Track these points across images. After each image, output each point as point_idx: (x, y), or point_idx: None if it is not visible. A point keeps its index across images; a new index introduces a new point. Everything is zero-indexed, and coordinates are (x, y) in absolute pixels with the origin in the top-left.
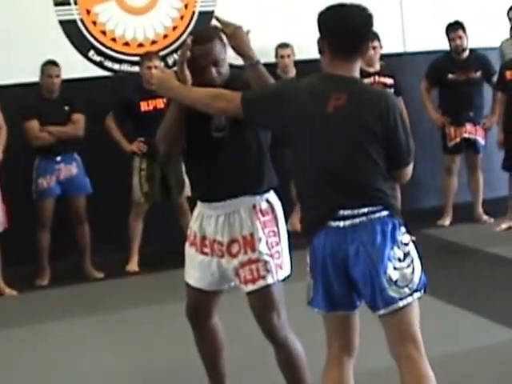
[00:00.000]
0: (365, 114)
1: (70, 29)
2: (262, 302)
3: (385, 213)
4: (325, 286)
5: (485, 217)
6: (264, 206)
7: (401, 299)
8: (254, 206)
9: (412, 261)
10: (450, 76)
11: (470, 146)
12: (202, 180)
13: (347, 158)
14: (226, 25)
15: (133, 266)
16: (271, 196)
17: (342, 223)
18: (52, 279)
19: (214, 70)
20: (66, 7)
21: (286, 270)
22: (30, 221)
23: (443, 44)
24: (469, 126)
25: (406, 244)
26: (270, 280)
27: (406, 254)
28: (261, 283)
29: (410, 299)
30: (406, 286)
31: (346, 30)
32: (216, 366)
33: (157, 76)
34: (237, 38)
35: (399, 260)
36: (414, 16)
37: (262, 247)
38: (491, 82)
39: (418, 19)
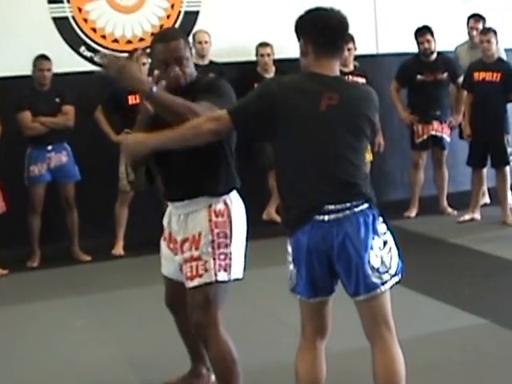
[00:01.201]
0: (356, 112)
1: (63, 25)
2: (195, 299)
3: (365, 205)
4: (308, 275)
5: (449, 209)
6: (220, 207)
7: (382, 284)
8: (210, 206)
9: (390, 248)
10: (419, 77)
11: (436, 142)
12: (165, 181)
13: (337, 155)
14: (110, 64)
15: (118, 249)
16: (230, 198)
17: (327, 217)
18: (42, 261)
19: (177, 69)
20: (59, 5)
21: (233, 273)
22: (22, 206)
23: (414, 47)
24: (436, 124)
25: (385, 233)
26: (206, 279)
27: (385, 242)
28: (198, 281)
29: (390, 284)
30: (386, 271)
31: (328, 30)
32: (197, 350)
33: (124, 146)
34: (124, 75)
35: (379, 248)
36: (386, 20)
37: (206, 247)
38: (456, 82)
39: (390, 23)
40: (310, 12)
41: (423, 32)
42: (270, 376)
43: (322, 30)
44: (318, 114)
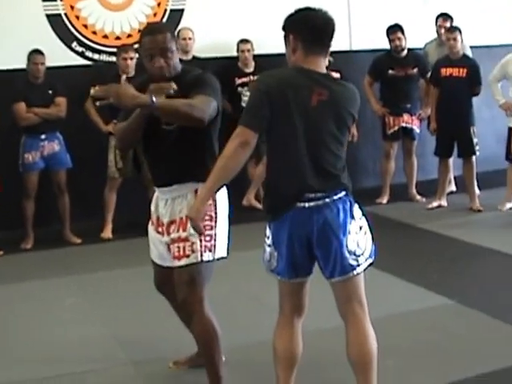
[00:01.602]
0: (343, 108)
1: (56, 22)
2: (182, 277)
3: (343, 193)
4: (289, 257)
5: (418, 196)
6: None
7: (357, 266)
8: (196, 191)
9: (365, 232)
10: (390, 72)
11: (406, 133)
12: (153, 167)
13: (324, 147)
14: (106, 94)
15: (107, 233)
16: None
17: (307, 204)
18: (35, 243)
19: (162, 61)
20: (53, 3)
21: (218, 252)
22: (17, 191)
23: (385, 43)
24: (406, 116)
25: (360, 218)
26: (193, 259)
27: (361, 227)
28: (185, 261)
29: (364, 265)
30: (362, 254)
31: (317, 30)
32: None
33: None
34: (124, 97)
35: (356, 232)
36: (359, 18)
37: (191, 230)
38: (425, 77)
39: (363, 21)
40: (299, 11)
41: (394, 30)
42: (251, 353)
43: (312, 30)
44: (310, 108)
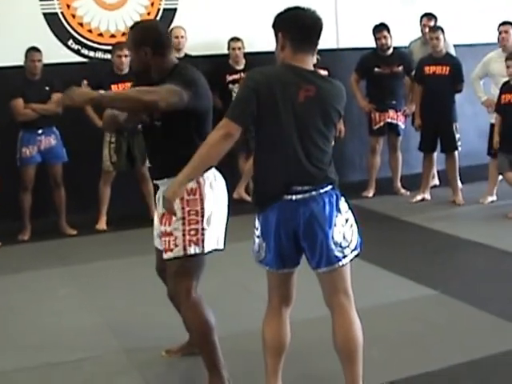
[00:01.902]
0: (329, 105)
1: (52, 20)
2: (169, 270)
3: (330, 187)
4: (277, 248)
5: (402, 190)
6: (192, 186)
7: (343, 258)
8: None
9: (351, 225)
10: (376, 70)
11: (392, 129)
12: (149, 160)
13: (311, 143)
14: (63, 100)
15: (102, 224)
16: (204, 177)
17: (294, 197)
18: (32, 235)
19: (129, 54)
20: (49, 2)
21: (207, 246)
22: (14, 184)
23: (371, 42)
24: (391, 113)
25: (346, 211)
26: (176, 253)
27: (347, 220)
28: (169, 255)
29: (350, 257)
30: (347, 246)
31: (306, 28)
32: None
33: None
34: (73, 96)
35: (342, 225)
36: (346, 17)
37: (177, 223)
38: (410, 75)
39: (350, 20)
40: (289, 10)
41: (380, 29)
42: (241, 341)
43: (301, 28)
44: (297, 104)
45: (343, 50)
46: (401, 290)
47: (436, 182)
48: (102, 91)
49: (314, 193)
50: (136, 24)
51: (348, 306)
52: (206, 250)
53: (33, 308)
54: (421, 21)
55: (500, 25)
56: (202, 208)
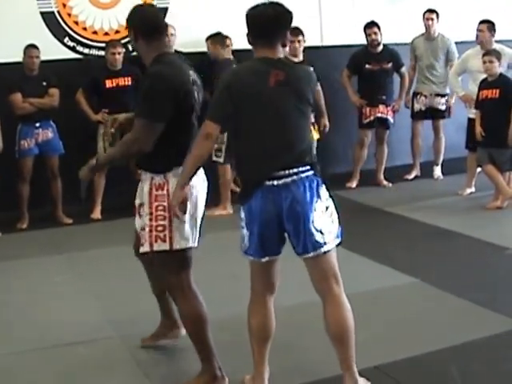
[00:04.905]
0: (301, 86)
1: (49, 19)
2: (155, 263)
3: (311, 172)
4: (260, 237)
5: (384, 182)
6: (160, 181)
7: (325, 244)
8: (153, 179)
9: (332, 213)
10: (367, 66)
11: (381, 123)
12: None
13: (289, 123)
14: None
15: (96, 214)
16: (172, 174)
17: (276, 182)
18: (30, 223)
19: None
20: (46, 1)
21: (175, 243)
22: (13, 175)
23: (355, 39)
24: (381, 107)
25: (327, 199)
26: (145, 248)
27: (328, 207)
28: (141, 249)
29: (332, 244)
30: (329, 232)
31: (260, 24)
32: (164, 302)
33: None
34: (85, 175)
35: (322, 211)
36: (330, 15)
37: (145, 219)
38: (400, 71)
39: (334, 18)
40: (254, 7)
41: (371, 26)
42: (229, 326)
43: (256, 24)
44: (269, 89)
45: (327, 47)
46: (383, 278)
47: (417, 173)
48: (94, 161)
49: (295, 177)
50: (132, 8)
51: (338, 290)
52: (175, 248)
53: (30, 294)
54: (424, 16)
55: (478, 23)
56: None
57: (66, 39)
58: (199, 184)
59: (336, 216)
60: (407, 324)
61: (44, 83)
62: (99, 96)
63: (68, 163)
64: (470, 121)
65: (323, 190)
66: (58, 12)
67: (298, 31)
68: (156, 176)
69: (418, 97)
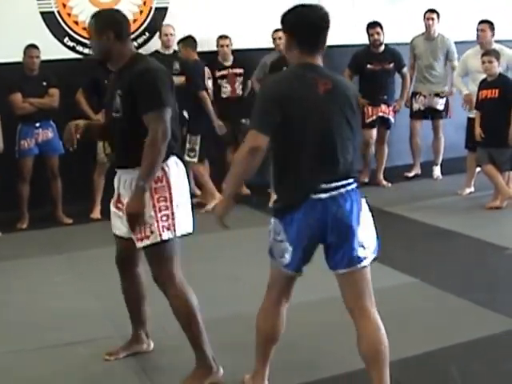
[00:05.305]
0: (349, 96)
1: (49, 19)
2: (148, 257)
3: (355, 184)
4: (304, 252)
5: (384, 182)
6: (158, 174)
7: (364, 259)
8: None
9: (371, 226)
10: (369, 66)
11: (383, 122)
12: (114, 148)
13: (339, 134)
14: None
15: (96, 213)
16: (168, 164)
17: (323, 195)
18: (30, 223)
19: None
20: (46, 1)
21: (178, 230)
22: (13, 175)
23: (354, 39)
24: (383, 107)
25: (368, 211)
26: (152, 240)
27: (369, 220)
28: (146, 242)
29: (370, 259)
30: (368, 247)
31: (311, 27)
32: (139, 312)
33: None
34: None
35: (365, 225)
36: (330, 16)
37: (148, 211)
38: (401, 72)
39: (333, 19)
40: (294, 9)
41: (374, 25)
42: (229, 326)
43: (306, 27)
44: (319, 98)
45: (327, 47)
46: (382, 278)
47: (418, 171)
48: (141, 183)
49: (342, 190)
50: (97, 12)
51: (372, 309)
52: (178, 234)
53: (30, 293)
54: (424, 16)
55: (478, 23)
56: (170, 194)
57: (66, 39)
58: (183, 171)
59: (374, 229)
60: (407, 324)
61: (44, 83)
62: (99, 96)
63: (68, 163)
64: (470, 120)
65: (364, 203)
66: (58, 12)
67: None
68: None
69: (417, 97)
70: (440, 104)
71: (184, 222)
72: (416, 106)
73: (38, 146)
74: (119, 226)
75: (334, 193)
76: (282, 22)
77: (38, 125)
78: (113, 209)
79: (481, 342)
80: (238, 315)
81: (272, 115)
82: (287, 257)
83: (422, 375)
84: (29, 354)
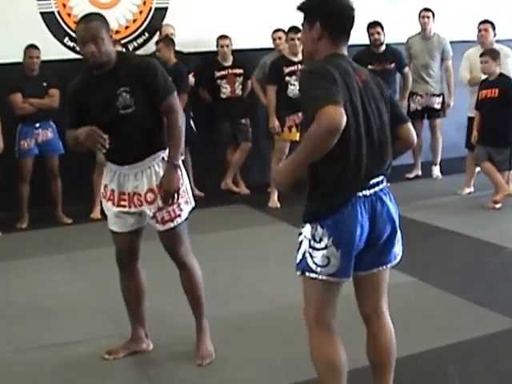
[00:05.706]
0: (380, 86)
1: (49, 19)
2: (172, 237)
3: (386, 180)
4: (352, 253)
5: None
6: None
7: (398, 255)
8: (163, 159)
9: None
10: (370, 67)
11: None
12: (115, 148)
13: (379, 128)
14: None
15: (96, 213)
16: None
17: (368, 192)
18: (30, 223)
19: (92, 46)
20: (46, 1)
21: (191, 202)
22: (13, 175)
23: (354, 39)
24: None
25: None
26: (183, 217)
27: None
28: (178, 220)
29: (399, 257)
30: (402, 243)
31: (345, 17)
32: (138, 311)
33: (274, 177)
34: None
35: (399, 221)
36: None
37: (183, 185)
38: (402, 71)
39: None
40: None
41: (374, 25)
42: (229, 325)
43: (341, 19)
44: (360, 90)
45: None
46: None
47: (419, 172)
48: (175, 162)
49: (381, 185)
50: (88, 17)
51: (387, 313)
52: (191, 206)
53: (30, 293)
54: (419, 15)
55: (480, 23)
56: (181, 169)
57: (66, 39)
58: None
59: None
60: (406, 323)
61: (44, 83)
62: None
63: (68, 163)
64: (470, 120)
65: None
66: (58, 12)
67: (297, 29)
68: (163, 153)
69: (414, 97)
70: (437, 103)
71: (192, 195)
72: (413, 107)
73: (37, 146)
74: (123, 222)
75: (376, 188)
76: (311, 9)
77: (37, 125)
78: (114, 208)
79: (480, 342)
80: (238, 315)
81: (342, 88)
82: (335, 263)
83: (420, 374)
84: (29, 353)
